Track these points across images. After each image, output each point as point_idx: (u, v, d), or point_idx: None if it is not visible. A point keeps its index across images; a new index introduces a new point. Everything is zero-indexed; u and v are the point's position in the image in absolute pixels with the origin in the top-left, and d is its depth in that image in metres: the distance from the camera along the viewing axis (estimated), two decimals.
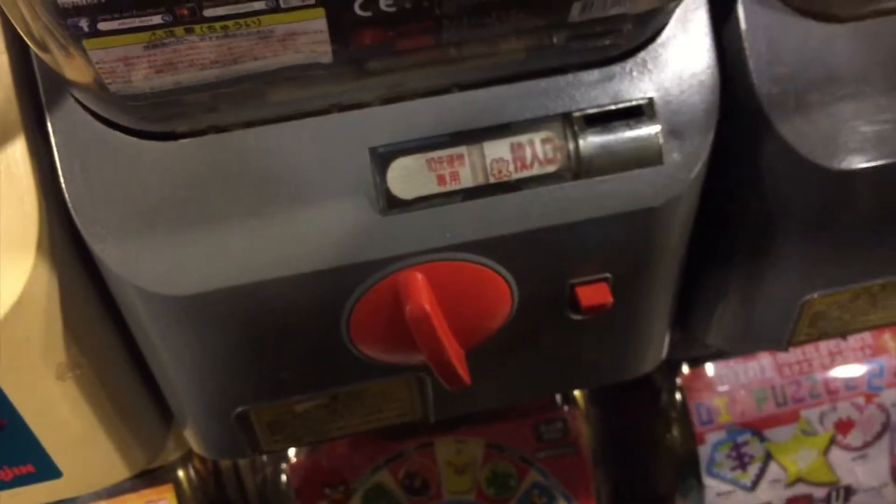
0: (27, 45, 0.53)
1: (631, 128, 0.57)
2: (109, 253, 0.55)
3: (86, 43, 0.44)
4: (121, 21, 0.43)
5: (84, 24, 0.43)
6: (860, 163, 0.60)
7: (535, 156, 0.57)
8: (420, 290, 0.56)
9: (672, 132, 0.58)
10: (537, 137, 0.57)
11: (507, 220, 0.57)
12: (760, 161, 0.61)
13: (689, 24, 0.58)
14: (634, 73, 0.58)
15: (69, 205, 0.55)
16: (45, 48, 0.46)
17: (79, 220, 0.55)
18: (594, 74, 0.58)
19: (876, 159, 0.60)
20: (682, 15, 0.58)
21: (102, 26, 0.43)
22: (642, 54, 0.58)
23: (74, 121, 0.54)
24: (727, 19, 0.59)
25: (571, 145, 0.57)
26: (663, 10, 0.54)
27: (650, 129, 0.57)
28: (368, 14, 0.46)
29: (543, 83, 0.57)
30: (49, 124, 0.54)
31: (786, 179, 0.62)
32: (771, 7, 0.59)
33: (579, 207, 0.58)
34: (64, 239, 0.56)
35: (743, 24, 0.59)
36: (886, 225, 0.65)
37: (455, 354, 0.58)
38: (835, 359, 1.03)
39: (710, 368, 1.02)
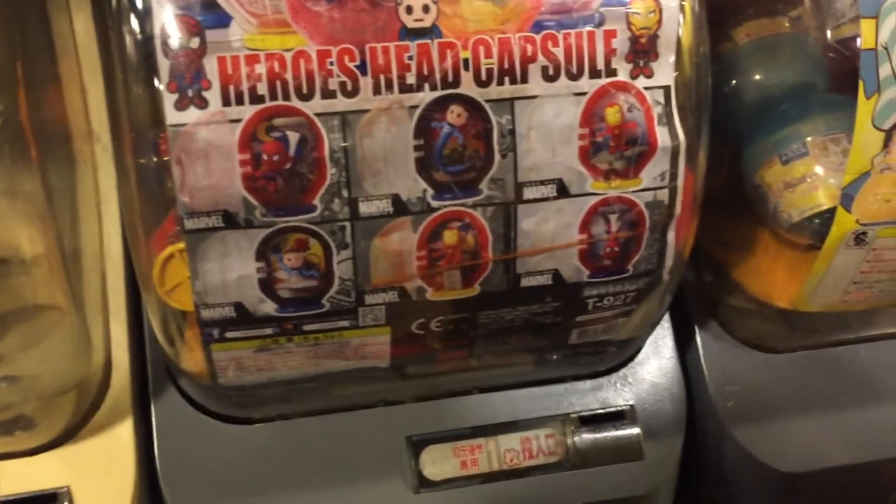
0: (143, 346, 0.69)
1: (616, 428, 0.71)
2: None
3: (213, 346, 0.58)
4: (243, 331, 0.58)
5: (216, 332, 0.57)
6: (806, 467, 0.73)
7: (540, 448, 0.70)
8: None
9: (649, 433, 0.71)
10: (542, 433, 0.71)
11: (516, 501, 0.69)
12: (724, 462, 0.74)
13: (660, 349, 0.74)
14: (618, 385, 0.73)
15: (160, 477, 0.66)
16: (171, 343, 0.61)
17: (167, 490, 0.66)
18: (586, 384, 0.73)
19: (819, 464, 0.74)
20: (654, 342, 0.74)
21: (229, 335, 0.58)
22: (624, 370, 0.73)
23: (173, 407, 0.68)
24: (690, 348, 0.75)
25: (569, 440, 0.70)
26: (640, 338, 0.70)
27: (631, 431, 0.71)
28: (421, 332, 0.61)
29: (547, 390, 0.72)
30: (152, 409, 0.67)
31: (745, 479, 0.75)
32: (724, 340, 0.75)
33: (576, 493, 0.70)
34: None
35: (701, 352, 0.75)
36: None
37: None
38: None
39: None
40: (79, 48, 0.69)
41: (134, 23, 0.52)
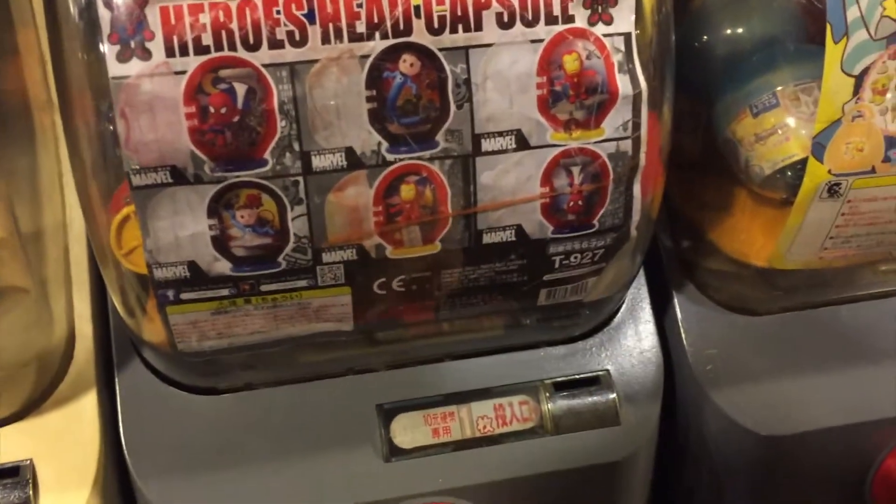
0: (107, 317, 0.68)
1: (592, 394, 0.70)
2: (152, 490, 0.65)
3: (168, 309, 0.57)
4: (198, 293, 0.56)
5: (171, 294, 0.56)
6: (787, 430, 0.72)
7: (513, 415, 0.69)
8: None
9: (626, 399, 0.70)
10: (515, 400, 0.69)
11: (490, 469, 0.68)
12: (703, 427, 0.73)
13: (637, 313, 0.73)
14: (594, 350, 0.71)
15: (125, 449, 0.65)
16: (132, 314, 0.60)
17: (131, 460, 0.65)
18: (561, 350, 0.71)
19: (801, 427, 0.72)
20: (630, 305, 0.73)
21: (184, 296, 0.56)
22: (600, 335, 0.72)
23: (137, 378, 0.67)
24: (667, 311, 0.74)
25: (544, 407, 0.69)
26: (612, 301, 0.69)
27: (608, 396, 0.70)
28: (383, 292, 0.60)
29: (520, 356, 0.70)
30: (116, 380, 0.66)
31: (726, 444, 0.73)
32: (702, 303, 0.73)
33: (551, 460, 0.68)
34: (112, 476, 0.66)
35: (679, 315, 0.73)
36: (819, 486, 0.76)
37: None
38: None
39: None
40: (37, 17, 0.68)
41: None
